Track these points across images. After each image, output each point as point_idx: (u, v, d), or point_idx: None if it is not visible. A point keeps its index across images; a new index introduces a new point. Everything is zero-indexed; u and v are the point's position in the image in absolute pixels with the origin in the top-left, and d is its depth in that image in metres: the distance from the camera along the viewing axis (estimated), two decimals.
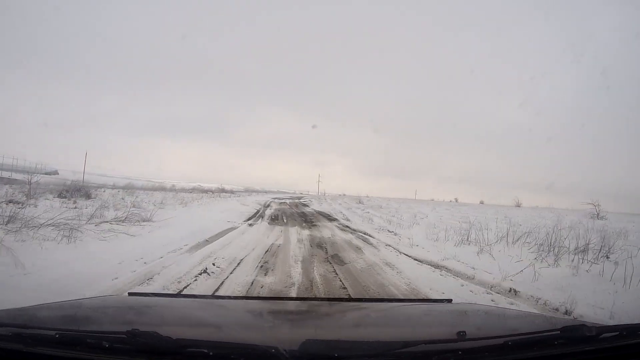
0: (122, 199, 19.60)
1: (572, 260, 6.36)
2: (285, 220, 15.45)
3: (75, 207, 11.58)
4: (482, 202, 66.12)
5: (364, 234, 11.34)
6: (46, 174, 33.78)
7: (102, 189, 31.46)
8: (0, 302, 2.49)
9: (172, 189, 42.96)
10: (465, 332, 0.98)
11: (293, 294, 4.42)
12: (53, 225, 6.73)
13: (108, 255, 5.89)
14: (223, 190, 47.72)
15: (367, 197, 65.96)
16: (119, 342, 0.86)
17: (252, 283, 4.85)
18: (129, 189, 39.11)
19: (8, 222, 6.50)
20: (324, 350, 0.86)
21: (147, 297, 1.85)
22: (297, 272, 5.59)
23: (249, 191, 67.14)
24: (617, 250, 6.96)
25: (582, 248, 6.94)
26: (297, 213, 20.03)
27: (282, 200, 35.58)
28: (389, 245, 8.91)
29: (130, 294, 1.99)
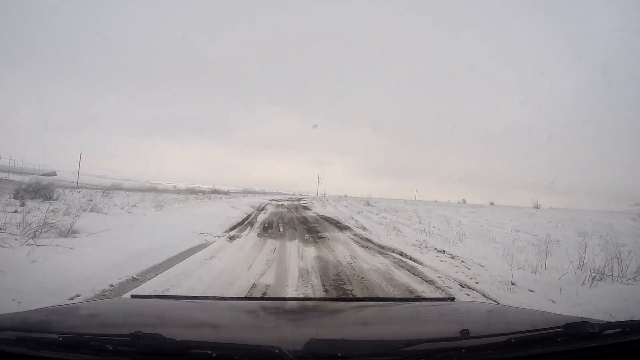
0: (90, 200, 17.01)
1: None
2: (281, 230, 11.58)
3: (16, 212, 9.22)
4: (492, 204, 62.20)
5: (402, 255, 7.45)
6: (44, 175, 33.06)
7: (78, 190, 28.06)
8: None
9: (163, 190, 39.52)
10: (468, 330, 0.95)
11: None
12: None
13: None
14: (216, 191, 43.82)
15: (373, 198, 62.37)
16: (122, 344, 0.85)
17: None
18: (115, 189, 35.82)
19: None
20: (328, 350, 0.85)
21: (150, 299, 1.90)
22: None
23: (246, 192, 63.28)
24: None
25: None
26: (297, 219, 16.14)
27: (280, 202, 31.70)
28: (465, 285, 5.03)
29: (133, 296, 1.90)
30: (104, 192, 28.23)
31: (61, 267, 4.90)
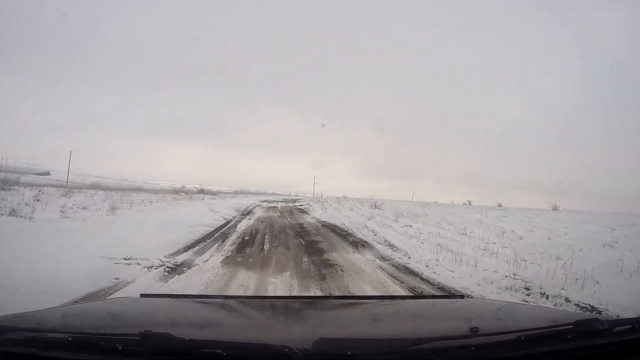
0: (38, 200, 14.83)
1: None
2: (265, 249, 7.46)
3: None
4: (500, 205, 58.26)
5: None
6: (37, 174, 32.91)
7: (47, 187, 24.36)
8: None
9: (147, 190, 35.72)
10: (478, 327, 0.94)
11: None
12: None
13: None
14: (203, 191, 39.58)
15: (378, 200, 58.23)
16: (132, 344, 0.84)
17: None
18: (97, 188, 32.34)
19: None
20: (337, 348, 0.85)
21: (159, 299, 1.92)
22: None
23: (238, 193, 59.06)
24: None
25: None
26: (291, 228, 12.01)
27: (273, 204, 27.50)
28: None
29: (142, 295, 1.85)
30: (79, 191, 25.01)
31: None
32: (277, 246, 7.98)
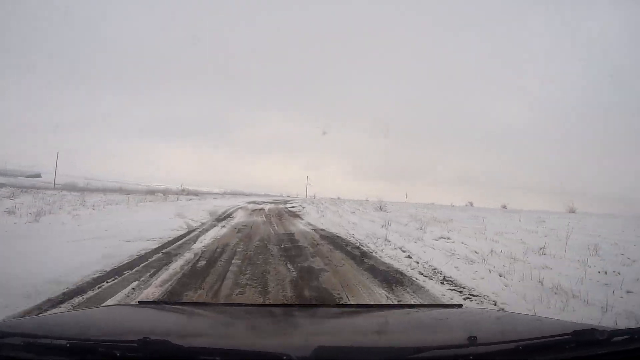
0: None
1: None
2: (224, 289, 3.72)
3: None
4: (504, 207, 55.20)
5: None
6: (28, 176, 33.33)
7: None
8: None
9: (125, 191, 32.18)
10: (476, 337, 0.94)
11: None
12: None
13: None
14: (184, 192, 35.71)
15: (379, 200, 54.89)
16: (130, 351, 0.84)
17: None
18: (76, 190, 29.56)
19: None
20: (336, 356, 0.86)
21: (158, 306, 1.90)
22: None
23: (231, 194, 55.23)
24: None
25: None
26: (276, 240, 8.44)
27: (260, 206, 23.81)
28: None
29: (140, 302, 2.03)
30: (39, 192, 23.07)
31: None
32: (246, 284, 4.38)
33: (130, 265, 5.29)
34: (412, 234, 9.28)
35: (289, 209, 22.28)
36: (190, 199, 24.07)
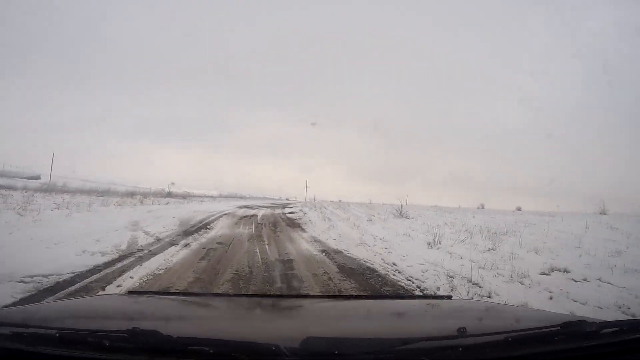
0: None
1: None
2: None
3: None
4: (518, 209, 51.40)
5: None
6: (27, 178, 33.31)
7: None
8: None
9: (110, 193, 28.62)
10: (465, 328, 0.94)
11: None
12: None
13: None
14: (171, 194, 31.77)
15: (374, 203, 50.82)
16: (120, 341, 0.84)
17: None
18: (46, 191, 26.36)
19: None
20: (325, 347, 0.85)
21: (147, 296, 1.94)
22: None
23: (228, 197, 51.22)
24: None
25: None
26: (262, 276, 4.45)
27: (253, 211, 19.85)
28: None
29: (130, 292, 2.02)
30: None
31: None
32: None
33: None
34: (501, 264, 5.36)
35: (288, 215, 18.38)
36: (167, 203, 20.14)
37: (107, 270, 5.03)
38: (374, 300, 2.22)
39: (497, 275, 4.88)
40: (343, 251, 7.36)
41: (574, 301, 3.92)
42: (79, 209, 12.79)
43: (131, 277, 4.72)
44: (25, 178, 36.31)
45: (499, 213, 28.67)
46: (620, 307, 3.79)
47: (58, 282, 4.33)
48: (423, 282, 4.87)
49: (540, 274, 4.99)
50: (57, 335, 0.84)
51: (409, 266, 5.77)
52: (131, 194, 23.16)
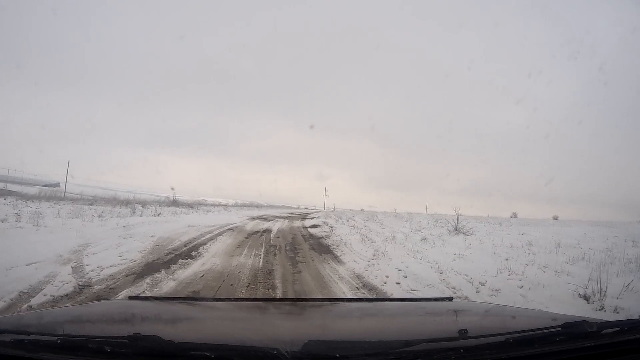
0: None
1: None
2: None
3: None
4: (555, 218, 46.52)
5: None
6: (46, 185, 34.16)
7: None
8: None
9: (114, 201, 25.90)
10: (466, 330, 0.96)
11: None
12: None
13: None
14: (175, 203, 28.53)
15: (408, 213, 46.43)
16: (120, 346, 0.84)
17: None
18: (38, 199, 24.16)
19: None
20: (326, 350, 0.86)
21: (148, 301, 1.92)
22: None
23: (240, 206, 48.06)
24: None
25: None
26: None
27: (266, 225, 16.17)
28: None
29: (130, 297, 2.03)
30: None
31: None
32: None
33: None
34: None
35: (310, 229, 14.61)
36: (159, 214, 16.64)
37: None
38: (374, 303, 2.25)
39: None
40: None
41: None
42: (17, 222, 9.40)
43: None
44: (43, 185, 36.46)
45: (543, 223, 24.20)
46: None
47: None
48: None
49: None
50: (58, 341, 0.85)
51: None
52: (127, 203, 19.92)
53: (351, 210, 68.09)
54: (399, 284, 5.29)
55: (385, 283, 5.32)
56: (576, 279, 5.04)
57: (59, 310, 1.61)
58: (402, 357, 0.85)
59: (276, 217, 24.56)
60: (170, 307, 1.64)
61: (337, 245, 9.40)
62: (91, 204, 21.24)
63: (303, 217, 27.07)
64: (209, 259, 6.71)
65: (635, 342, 0.93)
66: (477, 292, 4.81)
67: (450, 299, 2.10)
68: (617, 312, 3.93)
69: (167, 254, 6.90)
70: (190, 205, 28.41)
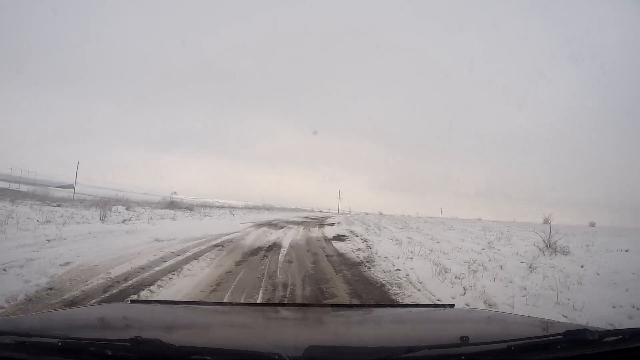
0: None
1: None
2: None
3: None
4: (592, 224, 41.94)
5: None
6: (60, 187, 35.28)
7: None
8: None
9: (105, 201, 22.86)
10: (468, 337, 0.94)
11: None
12: None
13: None
14: (172, 205, 24.85)
15: (412, 217, 42.01)
16: (122, 350, 0.84)
17: None
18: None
19: None
20: (328, 356, 0.86)
21: (149, 304, 1.93)
22: None
23: (251, 209, 44.30)
24: None
25: None
26: None
27: (273, 237, 12.22)
28: None
29: (132, 301, 2.02)
30: None
31: None
32: None
33: None
34: None
35: (335, 243, 10.59)
36: (131, 219, 12.77)
37: None
38: (376, 309, 2.25)
39: None
40: None
41: None
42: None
43: None
44: (57, 187, 37.26)
45: (586, 231, 19.54)
46: None
47: None
48: None
49: None
50: (60, 344, 0.85)
51: None
52: (104, 204, 16.25)
53: (367, 213, 63.60)
54: None
55: None
56: None
57: (61, 313, 1.60)
58: None
59: (288, 222, 20.58)
60: (172, 310, 1.63)
61: (399, 285, 5.29)
62: (59, 205, 17.76)
63: (320, 222, 23.02)
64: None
65: (637, 350, 0.92)
66: None
67: (452, 305, 1.98)
68: None
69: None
70: (189, 208, 24.67)
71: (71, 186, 38.42)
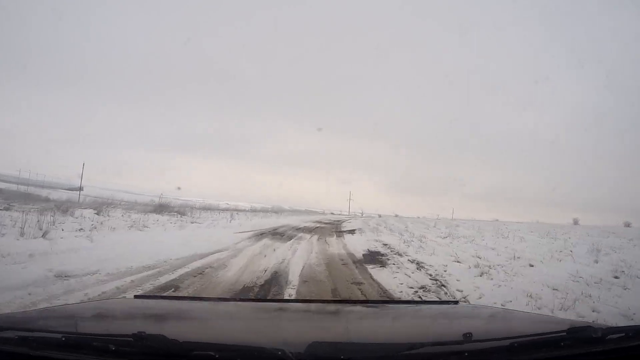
0: None
1: None
2: None
3: None
4: (627, 225, 38.30)
5: None
6: (69, 189, 35.96)
7: None
8: None
9: (109, 204, 19.99)
10: (471, 333, 0.93)
11: None
12: None
13: None
14: (162, 207, 21.61)
15: (452, 219, 38.12)
16: (125, 345, 0.84)
17: None
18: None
19: None
20: (331, 352, 0.85)
21: (153, 300, 1.99)
22: None
23: (258, 211, 40.90)
24: None
25: None
26: None
27: (274, 260, 8.74)
28: None
29: (136, 296, 1.96)
30: None
31: None
32: None
33: None
34: None
35: (367, 265, 7.03)
36: (90, 228, 9.26)
37: None
38: (380, 305, 2.24)
39: None
40: None
41: None
42: None
43: None
44: (66, 189, 37.50)
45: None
46: None
47: None
48: None
49: None
50: (63, 339, 0.85)
51: None
52: (66, 208, 12.97)
53: (380, 215, 59.84)
54: None
55: None
56: None
57: (64, 308, 1.47)
58: (407, 359, 0.86)
59: (298, 229, 16.95)
60: (176, 306, 1.64)
61: None
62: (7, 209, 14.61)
63: (336, 228, 19.35)
64: None
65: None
66: None
67: (456, 302, 2.04)
68: None
69: None
70: (180, 212, 21.32)
71: (81, 189, 36.89)
